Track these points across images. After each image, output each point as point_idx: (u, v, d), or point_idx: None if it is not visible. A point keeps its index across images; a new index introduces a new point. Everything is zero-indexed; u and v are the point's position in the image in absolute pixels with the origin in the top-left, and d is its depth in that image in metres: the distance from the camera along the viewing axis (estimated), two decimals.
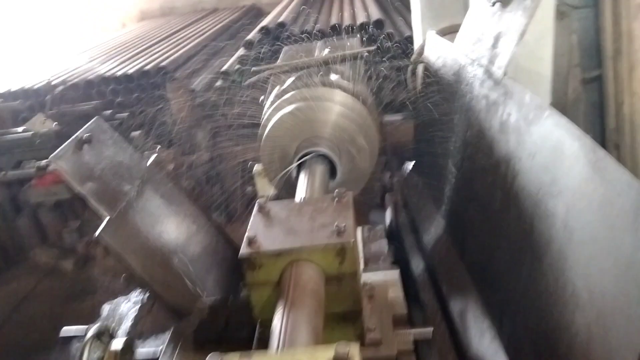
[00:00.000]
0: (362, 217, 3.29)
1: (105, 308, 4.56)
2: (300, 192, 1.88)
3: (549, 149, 1.32)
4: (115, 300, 4.62)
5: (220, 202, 5.55)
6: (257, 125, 2.39)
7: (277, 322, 1.24)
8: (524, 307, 1.41)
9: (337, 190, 1.61)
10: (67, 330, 2.03)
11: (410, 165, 2.93)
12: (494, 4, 1.80)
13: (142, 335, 4.11)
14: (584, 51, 3.32)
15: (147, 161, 2.51)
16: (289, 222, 1.54)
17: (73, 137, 2.16)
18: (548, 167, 1.31)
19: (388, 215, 3.01)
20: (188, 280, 2.32)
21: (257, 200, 1.62)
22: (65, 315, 4.56)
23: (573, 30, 3.30)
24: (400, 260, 2.51)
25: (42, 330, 4.39)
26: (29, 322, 4.50)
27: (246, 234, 1.46)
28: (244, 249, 1.43)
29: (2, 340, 4.42)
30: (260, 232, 1.48)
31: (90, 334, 1.88)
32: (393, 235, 2.78)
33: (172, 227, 2.44)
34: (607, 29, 3.02)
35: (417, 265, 2.28)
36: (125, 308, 4.53)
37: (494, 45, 1.76)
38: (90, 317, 4.48)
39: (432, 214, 2.34)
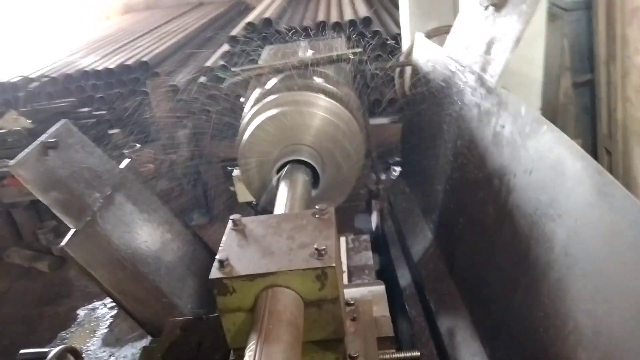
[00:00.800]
0: (347, 222, 3.19)
1: (81, 313, 4.43)
2: (280, 203, 1.76)
3: (547, 167, 1.22)
4: (91, 304, 4.49)
5: (202, 202, 5.42)
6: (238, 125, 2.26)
7: (249, 358, 1.12)
8: (518, 334, 1.31)
9: (318, 206, 1.49)
10: (25, 353, 1.88)
11: (397, 170, 2.82)
12: (486, 7, 1.70)
13: (118, 342, 3.98)
14: (576, 54, 3.24)
15: (119, 167, 2.37)
16: (265, 242, 1.41)
17: (37, 141, 2.02)
18: (546, 187, 1.21)
19: (374, 221, 2.91)
20: (161, 293, 2.20)
21: (231, 217, 1.50)
22: (39, 319, 4.40)
23: (564, 33, 3.22)
24: (385, 270, 2.41)
25: (14, 335, 4.24)
26: (1, 326, 4.33)
27: (217, 256, 1.33)
28: (214, 273, 1.30)
29: None
30: (233, 254, 1.36)
31: (51, 355, 1.74)
32: (378, 242, 2.68)
33: (145, 237, 2.31)
34: (601, 33, 2.93)
35: (404, 277, 2.18)
36: (102, 312, 4.39)
37: (487, 52, 1.66)
38: (65, 321, 4.34)
39: (419, 223, 2.24)
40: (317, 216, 1.48)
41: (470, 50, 1.77)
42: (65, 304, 4.48)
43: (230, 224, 1.48)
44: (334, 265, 1.29)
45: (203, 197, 5.22)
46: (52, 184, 1.96)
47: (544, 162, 1.23)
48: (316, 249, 1.30)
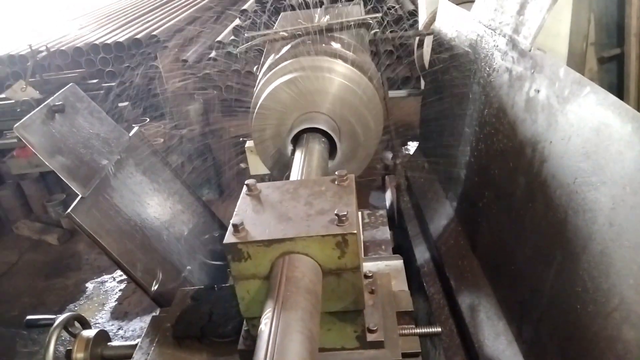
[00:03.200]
0: (361, 199, 3.11)
1: (90, 286, 4.41)
2: (296, 173, 1.67)
3: (589, 131, 1.12)
4: (100, 277, 4.46)
5: (212, 177, 5.35)
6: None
7: (265, 326, 1.05)
8: (550, 311, 1.23)
9: (337, 171, 1.41)
10: (33, 318, 1.83)
11: (414, 145, 2.73)
12: None
13: (127, 316, 3.96)
14: (603, 28, 3.10)
15: (127, 134, 2.29)
16: (281, 207, 1.34)
17: (43, 104, 1.94)
18: (589, 153, 1.11)
19: (388, 198, 2.82)
20: (171, 264, 2.14)
21: (246, 181, 1.42)
22: (48, 291, 4.40)
23: (592, 6, 3.08)
24: (402, 248, 2.33)
25: (23, 306, 4.23)
26: (9, 298, 4.33)
27: (232, 220, 1.25)
28: (228, 237, 1.23)
29: None
30: (248, 218, 1.28)
31: (58, 321, 1.69)
32: (393, 220, 2.60)
33: (154, 207, 2.24)
34: (634, 4, 2.80)
35: (422, 254, 2.10)
36: (110, 285, 4.37)
37: (520, 12, 1.55)
38: (74, 294, 4.32)
39: (439, 199, 2.15)
40: (336, 182, 1.40)
41: (501, 12, 1.66)
42: (74, 277, 4.47)
43: (244, 189, 1.40)
44: (355, 232, 1.21)
45: (213, 173, 5.15)
46: (58, 147, 1.89)
47: (586, 127, 1.14)
48: (336, 214, 1.22)
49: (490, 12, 1.76)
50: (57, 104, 1.96)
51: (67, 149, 1.93)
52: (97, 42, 7.06)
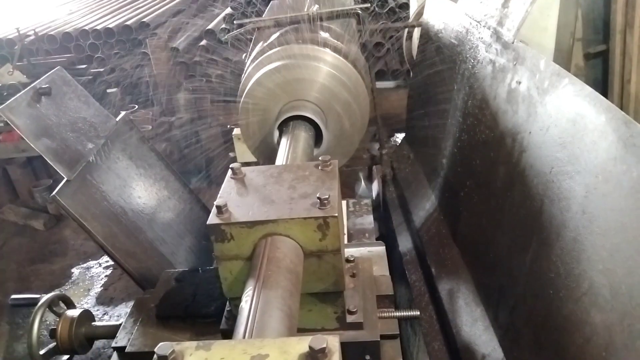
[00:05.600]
0: (347, 190, 3.13)
1: (75, 271, 4.39)
2: (281, 159, 1.69)
3: (566, 122, 1.15)
4: (86, 263, 4.45)
5: (200, 165, 5.35)
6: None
7: (246, 304, 1.07)
8: (525, 297, 1.26)
9: (321, 157, 1.43)
10: (17, 298, 1.84)
11: (400, 136, 2.75)
12: None
13: (112, 302, 3.96)
14: (590, 24, 3.14)
15: (114, 119, 2.29)
16: (265, 190, 1.36)
17: (29, 86, 1.94)
18: (565, 143, 1.14)
19: (375, 188, 2.85)
20: (156, 250, 2.15)
21: (231, 165, 1.43)
22: (33, 277, 4.38)
23: (579, 2, 3.11)
24: (386, 237, 2.36)
25: (8, 291, 4.21)
26: None
27: (216, 202, 1.27)
28: (212, 218, 1.24)
29: None
30: (232, 200, 1.30)
31: (41, 302, 1.70)
32: (379, 209, 2.63)
33: (140, 192, 2.25)
34: (619, 0, 2.84)
35: (405, 243, 2.13)
36: (96, 271, 4.36)
37: (504, 4, 1.57)
38: (59, 279, 4.31)
39: (423, 189, 2.18)
40: (319, 167, 1.42)
41: (487, 4, 1.69)
42: (59, 262, 4.45)
43: (229, 172, 1.42)
44: (336, 215, 1.23)
45: (202, 161, 5.14)
46: (44, 130, 1.89)
47: (563, 117, 1.17)
48: (318, 198, 1.24)
49: (477, 4, 1.78)
50: (43, 86, 1.96)
51: (53, 132, 1.93)
52: (86, 27, 6.98)
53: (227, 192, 1.35)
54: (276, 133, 1.93)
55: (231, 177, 1.42)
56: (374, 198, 2.90)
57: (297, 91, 1.94)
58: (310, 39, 2.06)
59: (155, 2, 8.53)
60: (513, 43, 1.48)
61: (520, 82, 1.41)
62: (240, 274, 1.28)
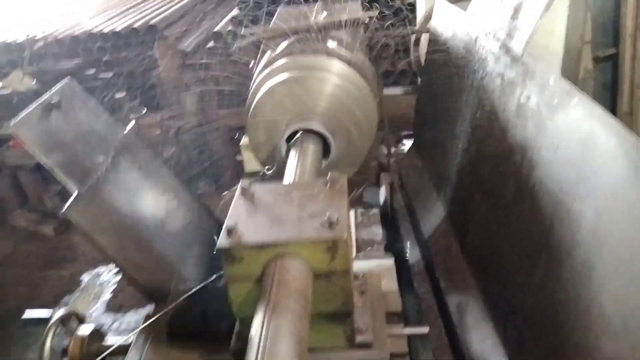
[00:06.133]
0: (355, 196, 3.12)
1: (85, 278, 4.43)
2: (290, 173, 1.69)
3: (577, 142, 1.14)
4: (96, 269, 4.49)
5: (208, 170, 5.36)
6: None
7: (257, 327, 1.08)
8: (534, 316, 1.26)
9: (330, 174, 1.43)
10: (31, 312, 1.86)
11: (408, 143, 2.74)
12: None
13: (122, 309, 3.99)
14: (599, 27, 3.11)
15: (124, 130, 2.30)
16: (274, 209, 1.36)
17: (40, 100, 1.95)
18: (575, 163, 1.13)
19: (382, 195, 2.84)
20: (166, 261, 2.16)
21: (240, 182, 1.44)
22: (43, 283, 4.41)
23: (588, 5, 3.08)
24: (394, 246, 2.36)
25: (19, 297, 4.25)
26: (5, 288, 4.34)
27: (226, 222, 1.28)
28: (222, 240, 1.25)
29: None
30: (242, 221, 1.30)
31: (55, 318, 1.72)
32: (387, 218, 2.62)
33: (150, 203, 2.26)
34: (630, 4, 2.80)
35: (413, 253, 2.12)
36: (106, 278, 4.39)
37: (514, 17, 1.56)
38: (69, 286, 4.34)
39: (431, 198, 2.17)
40: (328, 185, 1.42)
41: (496, 16, 1.67)
42: (69, 268, 4.48)
43: (239, 190, 1.42)
44: (345, 237, 1.23)
45: (210, 165, 5.16)
46: (54, 145, 1.90)
47: (574, 137, 1.16)
48: (328, 217, 1.24)
49: (486, 15, 1.77)
50: (53, 100, 1.97)
51: (63, 146, 1.94)
52: (94, 30, 7.01)
53: (237, 211, 1.36)
54: (284, 145, 1.93)
55: (241, 196, 1.42)
56: (381, 204, 2.90)
57: (305, 103, 1.94)
58: (318, 49, 2.05)
59: (163, 3, 8.54)
60: (522, 57, 1.47)
61: (529, 97, 1.40)
62: (250, 295, 1.28)
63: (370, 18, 2.20)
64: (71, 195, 1.90)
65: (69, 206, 1.82)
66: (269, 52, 2.23)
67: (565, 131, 1.19)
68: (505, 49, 1.56)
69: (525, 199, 1.34)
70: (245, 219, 1.33)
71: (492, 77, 1.64)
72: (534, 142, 1.34)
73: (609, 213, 0.99)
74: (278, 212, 1.34)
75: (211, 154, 5.15)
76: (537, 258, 1.25)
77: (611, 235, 0.97)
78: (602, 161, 1.03)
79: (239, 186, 1.44)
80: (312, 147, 1.86)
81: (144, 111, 5.33)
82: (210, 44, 6.61)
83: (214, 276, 1.73)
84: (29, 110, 1.91)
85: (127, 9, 8.38)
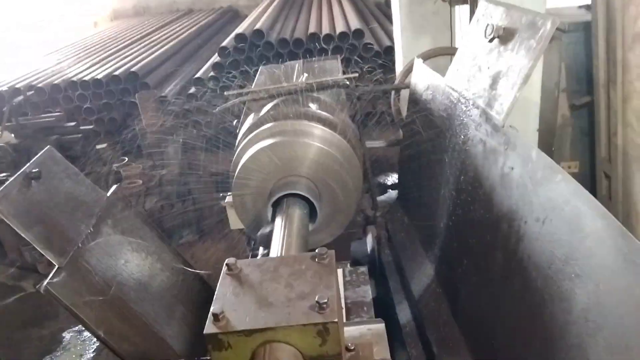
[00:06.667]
0: (342, 251, 3.10)
1: (67, 335, 4.29)
2: (276, 242, 1.68)
3: (562, 220, 1.15)
4: (78, 327, 4.35)
5: (191, 218, 5.30)
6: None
7: None
8: None
9: (317, 249, 1.42)
10: None
11: (394, 194, 2.75)
12: (491, 40, 1.63)
13: None
14: (573, 76, 3.20)
15: (105, 194, 2.27)
16: (262, 289, 1.33)
17: (19, 172, 1.92)
18: (562, 241, 1.14)
19: (369, 247, 2.83)
20: (150, 330, 2.10)
21: (226, 261, 1.41)
22: (24, 342, 4.26)
23: (562, 55, 3.18)
24: (382, 301, 2.33)
25: None
26: None
27: (212, 308, 1.25)
28: (209, 327, 1.22)
29: None
30: (229, 304, 1.27)
31: None
32: (373, 268, 2.60)
33: (133, 269, 2.21)
34: (600, 57, 2.90)
35: (404, 312, 2.10)
36: (88, 335, 4.26)
37: (492, 86, 1.59)
38: (50, 345, 4.20)
39: (419, 257, 2.17)
40: (316, 260, 1.40)
41: (474, 83, 1.71)
42: (51, 326, 4.34)
43: (225, 268, 1.39)
44: (336, 320, 1.21)
45: (193, 214, 5.11)
46: (34, 217, 1.86)
47: (559, 214, 1.16)
48: (317, 302, 1.22)
49: (464, 81, 1.80)
50: (33, 171, 1.94)
51: (44, 217, 1.90)
52: (74, 78, 7.02)
53: (223, 293, 1.33)
54: (270, 210, 1.92)
55: (227, 274, 1.39)
56: (368, 253, 2.88)
57: (290, 168, 1.94)
58: (300, 113, 2.07)
59: (144, 50, 8.61)
60: (503, 127, 1.49)
61: (512, 168, 1.41)
62: None
63: (350, 80, 2.23)
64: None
65: (50, 281, 1.76)
66: (251, 115, 2.25)
67: (551, 208, 1.20)
68: (486, 117, 1.58)
69: (515, 272, 1.34)
70: (232, 300, 1.30)
71: (474, 143, 1.66)
72: (519, 214, 1.34)
73: (600, 298, 0.99)
74: (266, 292, 1.32)
75: (194, 202, 5.11)
76: (530, 336, 1.24)
77: (605, 322, 0.97)
78: (590, 244, 1.04)
79: (224, 264, 1.42)
80: (298, 212, 1.85)
81: (125, 160, 5.28)
82: (192, 89, 6.66)
83: None
84: (8, 183, 1.87)
85: (108, 56, 8.42)
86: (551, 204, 1.20)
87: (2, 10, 12.26)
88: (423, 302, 1.95)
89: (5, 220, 1.77)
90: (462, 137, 1.76)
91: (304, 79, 2.26)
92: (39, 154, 2.08)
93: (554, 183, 1.20)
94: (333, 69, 2.55)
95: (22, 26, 11.82)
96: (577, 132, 3.32)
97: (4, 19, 12.09)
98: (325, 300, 1.22)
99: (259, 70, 2.74)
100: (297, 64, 2.63)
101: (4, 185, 1.85)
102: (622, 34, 2.66)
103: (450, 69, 1.93)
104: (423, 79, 2.22)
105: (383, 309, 2.24)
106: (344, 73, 2.45)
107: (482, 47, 1.70)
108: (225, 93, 2.35)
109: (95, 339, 4.12)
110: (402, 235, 2.37)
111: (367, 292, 2.14)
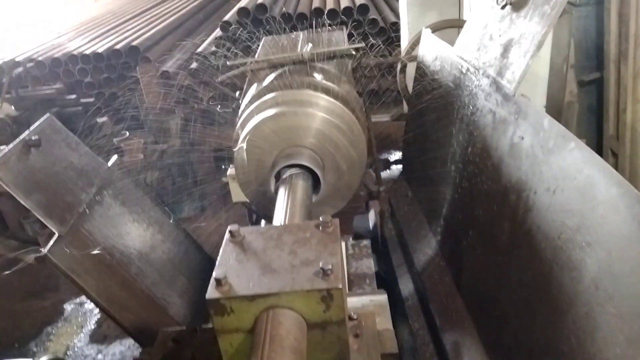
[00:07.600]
0: (345, 225, 3.08)
1: (68, 307, 4.31)
2: (280, 213, 1.65)
3: (574, 189, 1.12)
4: (78, 298, 4.37)
5: (194, 193, 5.29)
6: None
7: None
8: None
9: (322, 217, 1.39)
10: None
11: (398, 168, 2.72)
12: (503, 6, 1.58)
13: (106, 339, 3.88)
14: (583, 52, 3.14)
15: (106, 164, 2.24)
16: (265, 256, 1.31)
17: (19, 139, 1.89)
18: (573, 210, 1.11)
19: (371, 222, 2.81)
20: (151, 300, 2.09)
21: (229, 227, 1.39)
22: (25, 314, 4.29)
23: (572, 29, 3.11)
24: (386, 276, 2.32)
25: (1, 329, 4.12)
26: None
27: (214, 272, 1.23)
28: (211, 292, 1.20)
29: None
30: (232, 270, 1.25)
31: None
32: (376, 244, 2.58)
33: (134, 239, 2.20)
34: (612, 31, 2.84)
35: (406, 286, 2.09)
36: (89, 307, 4.27)
37: (504, 55, 1.55)
38: (51, 316, 4.22)
39: (422, 230, 2.15)
40: (320, 228, 1.38)
41: (485, 52, 1.66)
42: (51, 298, 4.36)
43: (227, 235, 1.37)
44: (340, 286, 1.19)
45: (194, 188, 5.09)
46: (34, 185, 1.84)
47: (571, 183, 1.14)
48: (321, 268, 1.20)
49: (474, 50, 1.76)
50: (33, 138, 1.91)
51: (44, 185, 1.88)
52: (75, 52, 6.93)
53: (226, 259, 1.31)
54: (273, 181, 1.89)
55: (230, 241, 1.37)
56: (370, 230, 2.86)
57: (293, 138, 1.91)
58: (304, 83, 2.02)
59: (144, 24, 8.50)
60: (514, 96, 1.45)
61: (523, 138, 1.38)
62: (242, 346, 1.23)
63: (357, 50, 2.18)
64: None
65: (50, 249, 1.75)
66: (254, 85, 2.20)
67: (562, 176, 1.17)
68: (496, 86, 1.54)
69: (522, 243, 1.32)
70: (235, 266, 1.28)
71: (483, 114, 1.62)
72: (529, 184, 1.31)
73: (612, 267, 0.96)
74: (269, 259, 1.30)
75: (195, 177, 5.09)
76: (537, 304, 1.22)
77: (615, 290, 0.95)
78: (602, 212, 1.01)
79: (227, 231, 1.40)
80: (301, 184, 1.82)
81: (127, 134, 5.25)
82: (194, 64, 6.58)
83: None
84: (7, 149, 1.84)
85: (109, 30, 8.32)
86: (563, 173, 1.18)
87: (2, 11, 12.08)
88: (426, 275, 1.94)
89: (5, 187, 1.74)
90: (470, 108, 1.72)
91: (308, 49, 2.21)
92: (38, 122, 2.05)
93: (566, 151, 1.17)
94: (339, 39, 2.50)
95: (21, 26, 11.60)
96: (585, 109, 3.27)
97: (4, 19, 11.89)
98: (330, 267, 1.20)
99: (262, 41, 2.68)
100: (302, 34, 2.57)
101: (3, 153, 1.82)
102: (636, 7, 2.60)
103: (459, 39, 1.88)
104: (431, 50, 2.17)
105: (385, 283, 2.23)
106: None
107: (494, 14, 1.66)
108: (227, 63, 2.30)
109: (96, 310, 4.14)
110: (406, 209, 2.35)
111: (369, 265, 2.13)
